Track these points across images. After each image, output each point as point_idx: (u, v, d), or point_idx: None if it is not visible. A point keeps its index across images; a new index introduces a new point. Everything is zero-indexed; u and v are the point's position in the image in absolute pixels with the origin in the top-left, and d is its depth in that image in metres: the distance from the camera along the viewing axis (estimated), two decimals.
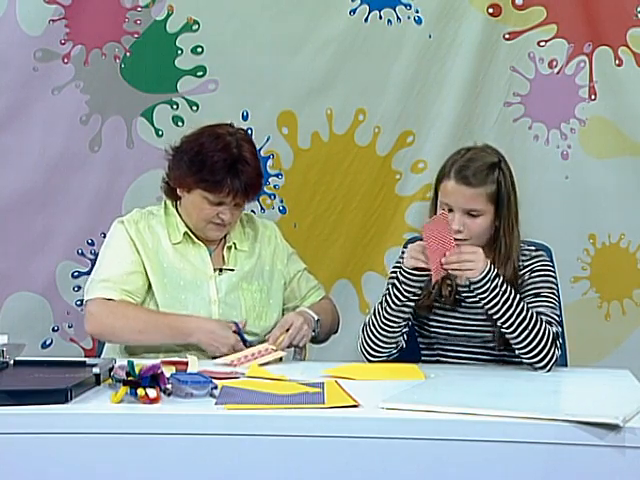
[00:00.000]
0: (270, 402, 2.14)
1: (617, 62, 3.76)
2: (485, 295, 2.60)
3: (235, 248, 2.99)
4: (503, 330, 2.63)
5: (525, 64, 3.81)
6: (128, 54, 3.77)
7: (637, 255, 3.84)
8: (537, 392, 2.40)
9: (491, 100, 3.82)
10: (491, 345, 2.77)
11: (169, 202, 3.00)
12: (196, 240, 2.96)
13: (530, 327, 2.60)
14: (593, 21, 3.76)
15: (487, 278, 2.59)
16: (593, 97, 3.80)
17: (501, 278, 2.61)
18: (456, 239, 2.64)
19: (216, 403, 2.14)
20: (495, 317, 2.62)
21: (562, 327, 2.78)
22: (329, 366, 2.61)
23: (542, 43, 3.79)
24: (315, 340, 2.98)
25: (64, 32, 3.72)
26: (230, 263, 2.97)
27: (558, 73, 3.80)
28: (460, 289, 2.77)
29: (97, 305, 2.85)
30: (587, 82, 3.79)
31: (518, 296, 2.63)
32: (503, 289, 2.60)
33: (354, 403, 2.14)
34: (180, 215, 2.96)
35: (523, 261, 2.77)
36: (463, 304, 2.79)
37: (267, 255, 3.04)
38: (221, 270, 2.96)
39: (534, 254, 2.79)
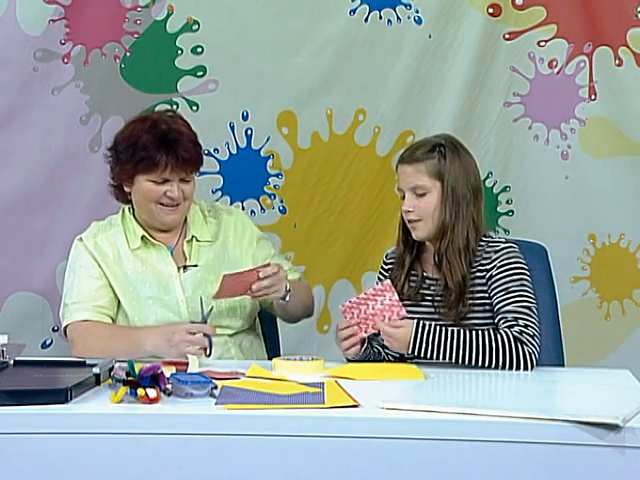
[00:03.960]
0: (270, 402, 2.14)
1: (617, 62, 3.76)
2: (423, 357, 2.56)
3: (197, 240, 2.94)
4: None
5: (525, 64, 3.81)
6: (128, 54, 3.77)
7: (637, 255, 3.84)
8: (537, 392, 2.40)
9: (491, 100, 3.82)
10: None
11: (127, 209, 2.97)
12: (155, 242, 2.91)
13: (487, 351, 2.53)
14: (593, 21, 3.76)
15: (416, 348, 2.54)
16: (593, 97, 3.80)
17: (431, 334, 2.54)
18: (409, 220, 2.71)
19: (216, 403, 2.14)
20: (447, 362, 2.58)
21: (535, 317, 2.63)
22: (329, 366, 2.61)
23: (542, 43, 3.80)
24: (284, 301, 2.84)
25: (64, 32, 3.72)
26: (193, 258, 2.92)
27: (558, 73, 3.81)
28: (425, 280, 2.75)
29: (76, 330, 2.83)
30: (587, 82, 3.79)
31: (456, 332, 2.55)
32: (437, 343, 2.54)
33: (354, 403, 2.14)
34: (137, 219, 2.93)
35: (490, 253, 2.69)
36: (427, 297, 2.74)
37: (233, 243, 2.97)
38: (185, 267, 2.92)
39: (502, 246, 2.70)
